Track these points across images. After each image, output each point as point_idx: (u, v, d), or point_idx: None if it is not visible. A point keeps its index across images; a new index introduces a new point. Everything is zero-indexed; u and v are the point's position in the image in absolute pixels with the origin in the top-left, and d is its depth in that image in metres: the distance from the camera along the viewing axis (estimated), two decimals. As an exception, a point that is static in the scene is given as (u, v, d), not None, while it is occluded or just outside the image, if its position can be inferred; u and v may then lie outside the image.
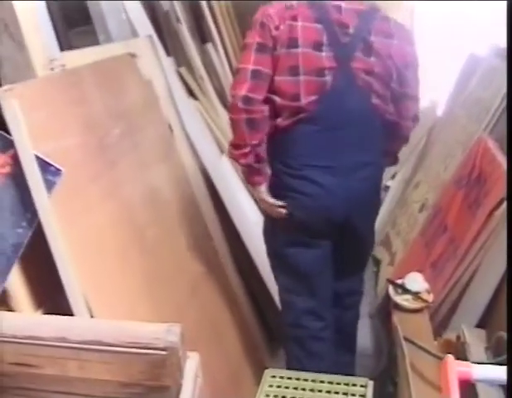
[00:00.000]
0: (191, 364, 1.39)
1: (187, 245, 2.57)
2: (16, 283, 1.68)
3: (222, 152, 3.39)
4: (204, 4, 3.93)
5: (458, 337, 2.24)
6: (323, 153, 2.21)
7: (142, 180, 2.36)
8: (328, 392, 2.06)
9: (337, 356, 2.55)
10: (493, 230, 2.36)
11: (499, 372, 1.34)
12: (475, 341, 2.16)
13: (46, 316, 1.64)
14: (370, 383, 2.07)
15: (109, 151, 2.16)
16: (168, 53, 3.36)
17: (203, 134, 3.26)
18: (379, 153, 2.34)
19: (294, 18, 2.13)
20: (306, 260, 2.36)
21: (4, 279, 1.63)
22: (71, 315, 1.69)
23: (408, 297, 2.46)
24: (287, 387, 2.09)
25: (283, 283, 2.48)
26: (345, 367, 2.54)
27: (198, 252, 2.64)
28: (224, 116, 3.58)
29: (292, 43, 2.12)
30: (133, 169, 2.31)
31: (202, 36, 4.00)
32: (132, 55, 2.56)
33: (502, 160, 2.51)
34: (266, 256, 2.54)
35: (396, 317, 2.41)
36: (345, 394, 2.04)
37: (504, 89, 2.84)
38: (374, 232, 2.57)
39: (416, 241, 3.26)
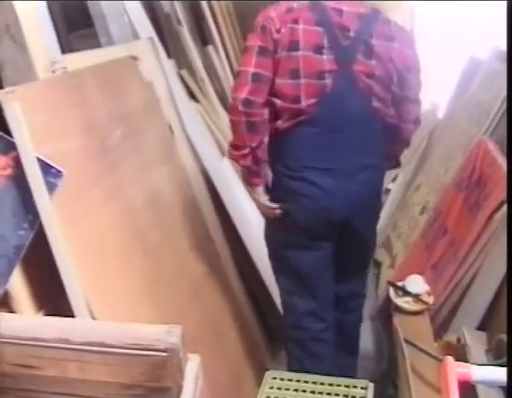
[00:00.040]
0: (192, 365, 1.40)
1: (188, 248, 2.58)
2: (17, 284, 1.68)
3: (223, 154, 3.39)
4: (205, 6, 3.93)
5: (459, 340, 2.24)
6: (323, 155, 2.22)
7: (144, 182, 2.36)
8: (328, 394, 2.07)
9: (339, 359, 2.55)
10: (493, 232, 2.36)
11: (499, 373, 1.34)
12: (476, 343, 2.16)
13: (48, 317, 1.65)
14: (371, 385, 2.07)
15: (111, 153, 2.16)
16: (169, 55, 3.36)
17: (204, 137, 3.26)
18: (380, 156, 2.34)
19: (295, 21, 2.14)
20: (306, 262, 2.36)
21: (6, 281, 1.63)
22: (73, 317, 1.69)
23: (409, 299, 2.47)
24: (287, 389, 2.10)
25: (285, 285, 2.49)
26: (347, 370, 2.53)
27: (199, 254, 2.65)
28: (224, 118, 3.58)
29: (293, 46, 2.13)
30: (135, 171, 2.32)
31: (203, 38, 4.00)
32: (134, 58, 2.57)
33: (502, 163, 2.52)
34: (267, 258, 2.54)
35: (397, 320, 2.41)
36: (345, 396, 2.05)
37: (504, 92, 2.85)
38: (375, 235, 2.56)
39: (416, 244, 3.26)
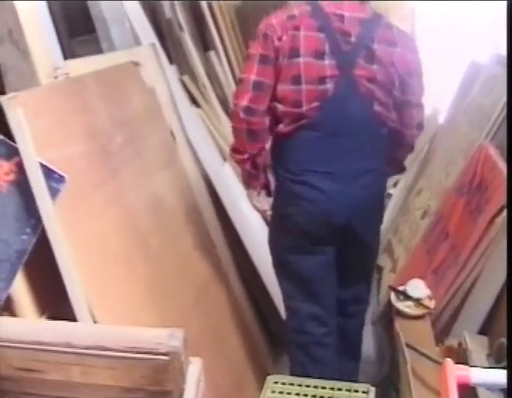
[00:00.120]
0: (194, 369, 1.40)
1: (190, 253, 2.58)
2: (20, 289, 1.69)
3: (224, 159, 3.40)
4: (206, 12, 3.94)
5: (460, 344, 2.24)
6: (324, 159, 2.22)
7: (146, 187, 2.37)
8: (330, 398, 2.07)
9: (341, 364, 2.55)
10: (494, 237, 2.37)
11: (498, 376, 1.35)
12: (477, 347, 2.16)
13: (50, 321, 1.65)
14: (372, 389, 2.07)
15: (113, 158, 2.17)
16: (171, 61, 3.37)
17: (205, 142, 3.27)
18: (382, 161, 2.34)
19: (297, 28, 2.15)
20: (309, 267, 2.36)
21: (9, 286, 1.64)
22: (75, 321, 1.70)
23: (410, 303, 2.47)
24: (289, 393, 2.10)
25: (287, 289, 2.49)
26: (349, 374, 2.54)
27: (201, 259, 2.65)
28: (226, 124, 3.60)
29: (294, 53, 2.14)
30: (136, 177, 2.32)
31: (205, 44, 4.02)
32: (136, 64, 2.58)
33: (503, 167, 2.52)
34: (268, 263, 2.55)
35: (398, 324, 2.41)
36: (347, 400, 2.05)
37: (505, 97, 2.85)
38: (378, 240, 2.57)
39: (418, 248, 3.26)
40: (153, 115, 2.64)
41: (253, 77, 2.18)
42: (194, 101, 3.47)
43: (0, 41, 1.91)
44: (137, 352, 1.31)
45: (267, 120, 2.24)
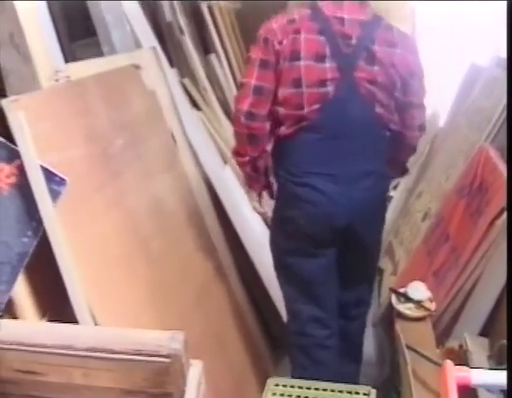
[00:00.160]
0: (195, 371, 1.40)
1: (191, 255, 2.59)
2: (21, 291, 1.69)
3: (225, 162, 3.41)
4: (207, 15, 3.95)
5: (461, 346, 2.24)
6: (325, 161, 2.22)
7: (147, 190, 2.37)
8: (331, 401, 2.07)
9: (342, 366, 2.54)
10: (494, 239, 2.37)
11: (498, 377, 1.35)
12: (478, 349, 2.17)
13: (51, 324, 1.65)
14: (373, 391, 2.07)
15: (113, 161, 2.18)
16: (172, 64, 3.38)
17: (206, 145, 3.28)
18: (383, 163, 2.34)
19: (297, 31, 2.15)
20: (310, 269, 2.36)
21: (10, 288, 1.64)
22: (76, 324, 1.70)
23: (411, 305, 2.47)
24: (290, 395, 2.10)
25: (289, 292, 2.49)
26: (350, 376, 2.53)
27: (202, 262, 2.65)
28: (227, 126, 3.61)
29: (295, 56, 2.14)
30: (137, 179, 2.33)
31: (205, 47, 4.03)
32: (136, 67, 2.58)
33: (503, 169, 2.52)
34: (269, 266, 2.55)
35: (399, 326, 2.41)
36: (347, 402, 2.05)
37: (504, 100, 2.85)
38: (380, 242, 2.57)
39: (418, 250, 3.27)
40: (154, 118, 2.65)
41: (253, 82, 2.19)
42: (194, 104, 3.48)
43: (1, 44, 1.91)
44: (138, 355, 1.32)
45: (267, 125, 2.25)
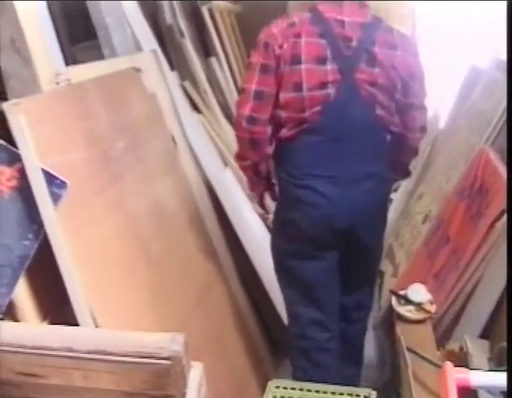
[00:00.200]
0: (195, 373, 1.41)
1: (192, 258, 2.59)
2: (22, 294, 1.70)
3: (226, 164, 3.41)
4: (207, 18, 3.96)
5: (461, 348, 2.24)
6: (326, 164, 2.23)
7: (147, 193, 2.38)
8: (331, 403, 2.07)
9: (343, 369, 2.55)
10: (495, 241, 2.37)
11: (498, 378, 1.35)
12: (478, 351, 2.17)
13: (52, 326, 1.66)
14: (374, 394, 2.07)
15: (114, 164, 2.18)
16: (172, 67, 3.38)
17: (207, 147, 3.28)
18: (384, 165, 2.34)
19: (297, 35, 2.16)
20: (311, 272, 2.36)
21: (11, 291, 1.65)
22: (77, 326, 1.70)
23: (411, 308, 2.46)
24: (290, 397, 2.10)
25: (290, 294, 2.49)
26: (351, 379, 2.53)
27: (202, 264, 2.66)
28: (227, 129, 3.61)
29: (295, 59, 2.15)
30: (138, 182, 2.33)
31: (206, 49, 4.03)
32: (137, 70, 2.59)
33: (503, 172, 2.52)
34: (270, 268, 2.55)
35: (399, 328, 2.41)
36: (348, 404, 2.05)
37: (504, 102, 2.86)
38: (381, 245, 2.56)
39: (419, 252, 3.27)
40: (154, 121, 2.65)
41: (254, 87, 2.19)
42: (195, 107, 3.48)
43: (2, 47, 1.92)
44: (139, 357, 1.32)
45: (269, 129, 2.25)
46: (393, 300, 2.54)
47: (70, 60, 2.39)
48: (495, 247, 2.37)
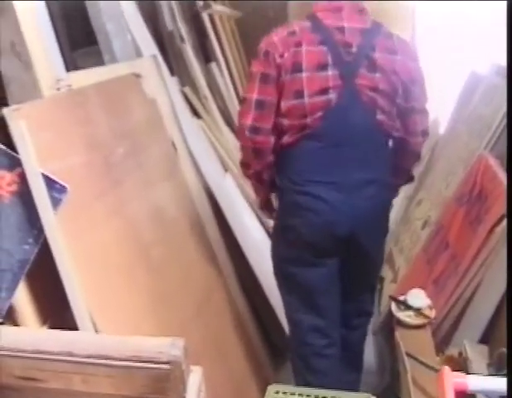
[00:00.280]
0: (195, 378, 1.41)
1: (192, 264, 2.59)
2: (22, 298, 1.70)
3: (226, 170, 3.42)
4: (207, 23, 3.97)
5: (460, 353, 2.25)
6: (327, 170, 2.22)
7: (147, 198, 2.38)
8: (331, 408, 2.07)
9: (343, 374, 2.55)
10: (494, 246, 2.37)
11: (495, 383, 1.36)
12: (478, 357, 2.17)
13: (52, 331, 1.66)
14: (373, 399, 2.08)
15: (114, 169, 2.19)
16: (172, 73, 3.39)
17: (207, 153, 3.29)
18: (386, 171, 2.34)
19: (298, 44, 2.16)
20: (312, 279, 2.36)
21: (11, 295, 1.65)
22: (76, 331, 1.71)
23: (411, 313, 2.47)
24: (290, 403, 2.10)
25: (290, 301, 2.49)
26: (351, 385, 2.54)
27: (202, 270, 2.66)
28: (227, 135, 3.62)
29: (296, 68, 2.15)
30: (138, 187, 2.33)
31: (206, 55, 4.04)
32: (137, 76, 2.59)
33: (503, 177, 2.53)
34: (270, 274, 2.55)
35: (398, 334, 2.41)
36: (347, 410, 2.05)
37: (504, 107, 2.87)
38: (382, 252, 2.56)
39: (418, 258, 3.27)
40: (155, 127, 2.66)
41: (255, 96, 2.20)
42: (195, 112, 3.48)
43: (2, 52, 1.92)
44: (138, 361, 1.32)
45: (272, 139, 2.26)
46: (393, 306, 2.54)
47: (70, 65, 2.40)
48: (494, 252, 2.37)
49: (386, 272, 3.75)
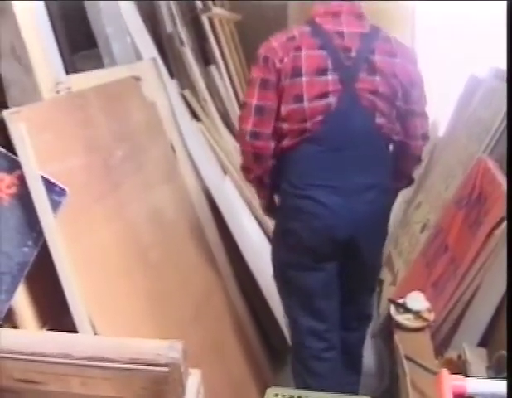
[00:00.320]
0: (193, 380, 1.41)
1: (191, 266, 2.59)
2: (21, 301, 1.70)
3: (225, 173, 3.42)
4: (207, 26, 3.97)
5: (459, 356, 2.25)
6: (327, 173, 2.22)
7: (146, 201, 2.38)
8: (330, 411, 2.07)
9: (342, 377, 2.55)
10: (493, 249, 2.37)
11: (494, 386, 1.35)
12: (477, 360, 2.17)
13: (51, 333, 1.66)
14: (372, 402, 2.08)
15: (114, 172, 2.19)
16: (172, 75, 3.39)
17: (206, 156, 3.29)
18: (386, 175, 2.33)
19: (298, 49, 2.17)
20: (311, 283, 2.36)
21: (10, 298, 1.65)
22: (76, 333, 1.71)
23: (410, 316, 2.47)
24: (289, 405, 2.10)
25: (289, 304, 2.50)
26: (350, 387, 2.54)
27: (201, 272, 2.66)
28: (227, 137, 3.62)
29: (296, 72, 2.15)
30: (137, 190, 2.34)
31: (205, 58, 4.04)
32: (137, 78, 2.59)
33: (502, 180, 2.53)
34: (269, 277, 2.56)
35: (397, 337, 2.41)
36: (347, 413, 2.05)
37: (503, 110, 2.87)
38: (381, 256, 2.57)
39: (417, 261, 3.27)
40: (154, 129, 2.66)
41: (254, 102, 2.21)
42: (194, 115, 3.49)
43: (2, 55, 1.93)
44: (137, 364, 1.32)
45: (272, 144, 2.26)
46: (392, 308, 2.55)
47: (70, 68, 2.40)
48: (493, 255, 2.38)
49: (385, 275, 3.75)
